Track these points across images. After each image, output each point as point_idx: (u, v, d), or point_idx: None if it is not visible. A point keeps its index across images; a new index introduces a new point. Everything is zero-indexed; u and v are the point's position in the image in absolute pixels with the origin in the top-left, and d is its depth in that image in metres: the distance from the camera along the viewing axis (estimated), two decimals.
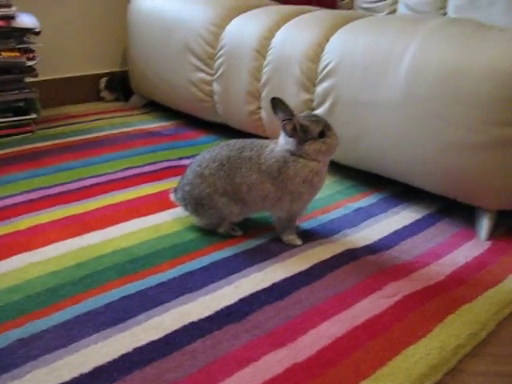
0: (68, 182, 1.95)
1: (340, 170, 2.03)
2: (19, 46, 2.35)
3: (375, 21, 1.94)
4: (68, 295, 1.31)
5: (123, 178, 2.00)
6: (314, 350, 1.17)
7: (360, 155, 1.89)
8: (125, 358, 1.12)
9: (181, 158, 2.20)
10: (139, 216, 1.72)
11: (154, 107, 2.89)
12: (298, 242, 1.59)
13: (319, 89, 1.93)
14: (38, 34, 2.39)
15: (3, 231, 1.60)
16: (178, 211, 1.70)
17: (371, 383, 1.08)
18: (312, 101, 1.97)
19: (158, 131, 2.57)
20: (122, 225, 1.66)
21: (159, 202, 1.80)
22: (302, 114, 1.53)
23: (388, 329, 1.24)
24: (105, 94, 3.02)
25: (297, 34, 2.04)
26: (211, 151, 1.59)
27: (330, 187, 1.95)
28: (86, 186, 1.92)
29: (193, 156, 1.77)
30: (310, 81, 1.96)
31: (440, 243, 1.62)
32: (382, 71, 1.74)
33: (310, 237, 1.63)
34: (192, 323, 1.23)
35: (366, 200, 1.89)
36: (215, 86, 2.35)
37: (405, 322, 1.26)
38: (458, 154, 1.60)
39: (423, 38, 1.68)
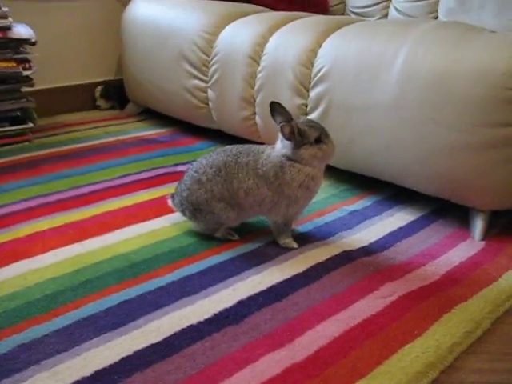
0: (66, 190, 1.96)
1: (335, 173, 2.04)
2: (15, 57, 2.37)
3: (367, 25, 1.96)
4: (68, 301, 1.32)
5: (120, 184, 2.02)
6: (312, 350, 1.18)
7: (354, 158, 1.91)
8: (125, 360, 1.13)
9: (177, 165, 2.21)
10: (137, 222, 1.73)
11: (150, 115, 2.91)
12: (295, 245, 1.60)
13: (313, 93, 1.94)
14: (33, 44, 2.41)
15: (2, 239, 1.61)
16: (176, 216, 1.72)
17: (368, 382, 1.09)
18: (306, 105, 1.98)
19: (153, 138, 2.58)
20: (120, 231, 1.67)
21: (156, 208, 1.81)
22: (301, 119, 1.54)
23: (384, 328, 1.25)
24: (100, 102, 3.03)
25: (290, 39, 2.05)
26: (208, 157, 1.60)
27: (325, 190, 1.96)
28: (84, 194, 1.93)
29: (188, 162, 1.78)
30: (304, 86, 1.97)
31: (435, 244, 1.64)
32: (374, 75, 1.75)
33: (306, 240, 1.64)
34: (191, 326, 1.25)
35: (361, 203, 1.91)
36: (210, 93, 2.36)
37: (401, 321, 1.28)
38: (450, 155, 1.62)
39: (414, 41, 1.69)
